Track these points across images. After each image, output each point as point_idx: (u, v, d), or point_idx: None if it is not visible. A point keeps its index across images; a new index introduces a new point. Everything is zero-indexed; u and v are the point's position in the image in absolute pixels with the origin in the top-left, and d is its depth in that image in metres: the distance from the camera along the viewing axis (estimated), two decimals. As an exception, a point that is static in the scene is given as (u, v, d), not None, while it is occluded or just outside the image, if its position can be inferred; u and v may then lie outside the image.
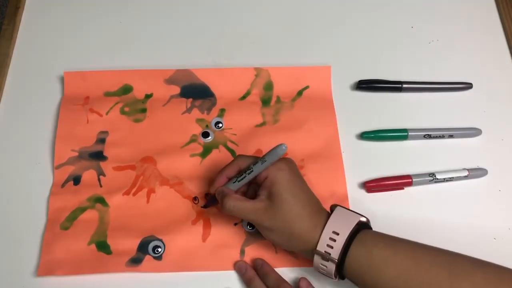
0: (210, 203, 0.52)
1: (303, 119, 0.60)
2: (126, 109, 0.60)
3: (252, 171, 0.47)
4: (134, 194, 0.55)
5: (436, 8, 0.69)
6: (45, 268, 0.51)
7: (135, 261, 0.51)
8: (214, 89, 0.61)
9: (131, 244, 0.52)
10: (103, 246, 0.52)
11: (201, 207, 0.54)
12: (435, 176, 0.56)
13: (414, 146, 0.59)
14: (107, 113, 0.59)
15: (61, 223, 0.53)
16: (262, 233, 0.48)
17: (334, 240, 0.44)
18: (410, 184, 0.56)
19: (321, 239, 0.45)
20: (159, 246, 0.51)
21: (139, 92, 0.61)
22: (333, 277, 0.46)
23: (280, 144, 0.46)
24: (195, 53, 0.64)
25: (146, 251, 0.51)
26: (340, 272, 0.46)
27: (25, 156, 0.57)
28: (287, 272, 0.51)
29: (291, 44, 0.66)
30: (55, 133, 0.58)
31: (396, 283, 0.42)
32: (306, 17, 0.68)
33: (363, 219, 0.47)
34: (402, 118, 0.61)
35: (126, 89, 0.61)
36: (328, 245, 0.44)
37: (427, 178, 0.56)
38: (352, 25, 0.68)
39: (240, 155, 0.50)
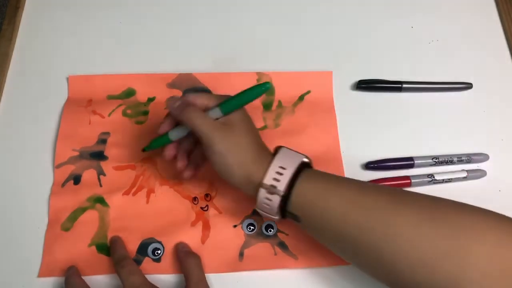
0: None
1: (304, 123, 0.60)
2: (129, 111, 0.60)
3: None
4: (134, 194, 0.55)
5: (436, 8, 0.69)
6: (46, 269, 0.51)
7: (134, 263, 0.51)
8: (216, 93, 0.61)
9: (131, 246, 0.52)
10: (103, 248, 0.52)
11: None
12: (434, 177, 0.56)
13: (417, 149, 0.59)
14: (109, 115, 0.60)
15: (62, 223, 0.53)
16: (210, 158, 0.48)
17: (281, 174, 0.45)
18: (408, 185, 0.56)
19: (268, 173, 0.46)
20: (158, 249, 0.52)
21: (142, 95, 0.61)
22: (275, 213, 0.47)
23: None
24: (197, 58, 0.64)
25: (146, 253, 0.52)
26: (283, 207, 0.46)
27: (25, 156, 0.57)
28: (286, 274, 0.52)
29: (291, 44, 0.66)
30: (55, 133, 0.58)
31: (342, 209, 0.44)
32: (306, 18, 0.68)
33: (306, 160, 0.48)
34: (402, 118, 0.61)
35: (129, 93, 0.61)
36: (274, 179, 0.45)
37: (426, 179, 0.56)
38: (352, 25, 0.68)
39: (187, 91, 0.50)
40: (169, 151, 0.51)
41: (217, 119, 0.47)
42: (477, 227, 0.40)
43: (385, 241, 0.42)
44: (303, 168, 0.47)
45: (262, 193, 0.46)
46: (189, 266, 0.49)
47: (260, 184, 0.46)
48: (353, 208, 0.44)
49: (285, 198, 0.45)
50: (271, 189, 0.45)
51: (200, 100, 0.49)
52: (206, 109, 0.48)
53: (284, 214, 0.47)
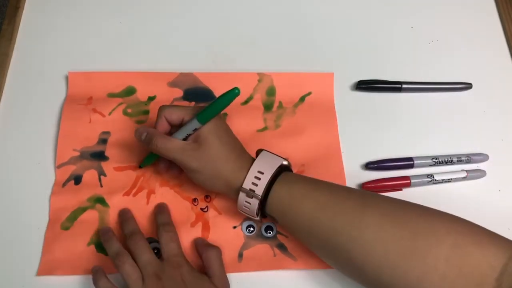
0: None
1: (305, 125, 0.60)
2: (129, 110, 0.60)
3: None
4: (134, 195, 0.55)
5: (436, 8, 0.69)
6: (45, 268, 0.51)
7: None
8: (217, 93, 0.61)
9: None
10: (102, 247, 0.52)
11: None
12: (433, 177, 0.56)
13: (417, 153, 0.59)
14: (109, 114, 0.59)
15: (61, 223, 0.53)
16: (188, 174, 0.50)
17: (259, 179, 0.47)
18: (408, 185, 0.56)
19: (247, 178, 0.48)
20: (158, 248, 0.51)
21: (142, 94, 0.61)
22: (255, 214, 0.49)
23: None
24: (197, 57, 0.64)
25: (145, 253, 0.52)
26: (262, 209, 0.49)
27: (25, 156, 0.57)
28: (285, 275, 0.52)
29: (291, 44, 0.66)
30: (55, 133, 0.58)
31: (314, 213, 0.46)
32: (306, 18, 0.68)
33: (285, 162, 0.50)
34: (402, 118, 0.61)
35: (130, 91, 0.61)
36: (253, 183, 0.48)
37: (425, 179, 0.56)
38: (352, 25, 0.68)
39: (162, 106, 0.51)
40: (162, 164, 0.54)
41: (196, 129, 0.49)
42: (435, 229, 0.42)
43: (351, 242, 0.44)
44: (282, 171, 0.49)
45: (242, 196, 0.48)
46: (211, 257, 0.50)
47: (240, 188, 0.48)
48: (323, 211, 0.46)
49: (263, 201, 0.48)
50: (250, 193, 0.48)
51: (176, 114, 0.50)
52: (183, 122, 0.50)
53: (263, 215, 0.50)
